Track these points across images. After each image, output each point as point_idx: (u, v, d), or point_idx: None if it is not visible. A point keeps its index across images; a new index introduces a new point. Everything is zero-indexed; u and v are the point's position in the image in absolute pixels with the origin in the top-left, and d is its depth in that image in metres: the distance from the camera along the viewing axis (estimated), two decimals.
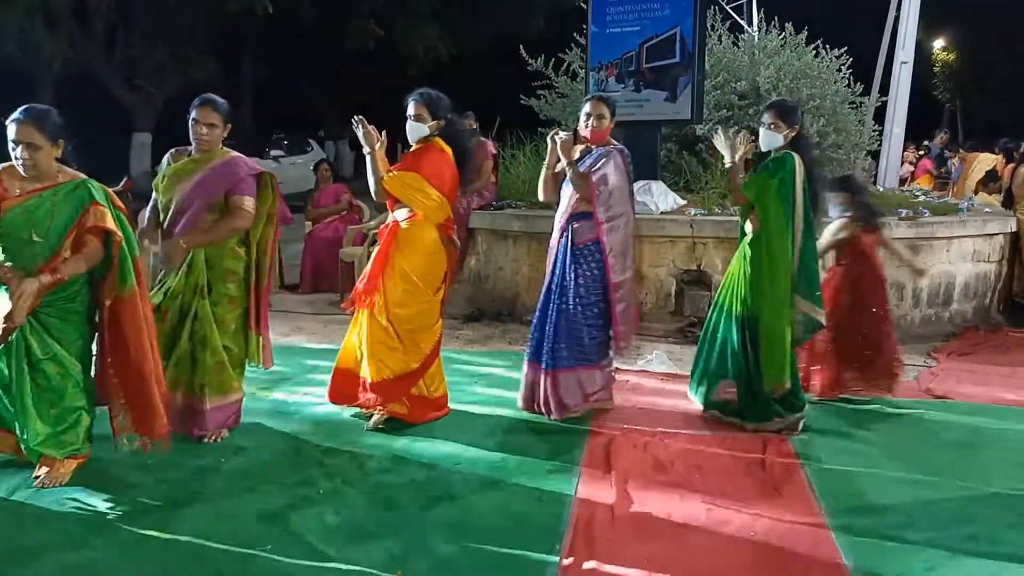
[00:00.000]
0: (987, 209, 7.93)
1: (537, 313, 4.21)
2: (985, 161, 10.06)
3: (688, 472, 3.54)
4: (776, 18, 8.67)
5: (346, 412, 4.16)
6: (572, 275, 4.07)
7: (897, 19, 12.36)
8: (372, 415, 4.02)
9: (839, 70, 8.27)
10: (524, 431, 4.02)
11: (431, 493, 3.28)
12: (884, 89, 12.27)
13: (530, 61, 8.68)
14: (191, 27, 15.54)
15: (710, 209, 6.75)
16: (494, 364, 5.19)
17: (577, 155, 4.06)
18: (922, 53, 20.99)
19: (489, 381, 4.83)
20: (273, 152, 15.69)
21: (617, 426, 4.08)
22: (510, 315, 6.55)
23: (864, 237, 4.60)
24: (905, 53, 12.12)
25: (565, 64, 8.77)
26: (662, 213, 6.49)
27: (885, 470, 3.60)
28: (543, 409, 4.15)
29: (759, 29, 9.15)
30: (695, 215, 6.42)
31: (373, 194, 4.04)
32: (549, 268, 4.23)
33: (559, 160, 4.10)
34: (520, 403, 4.26)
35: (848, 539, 2.94)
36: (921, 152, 13.89)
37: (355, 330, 4.09)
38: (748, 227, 4.09)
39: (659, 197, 6.66)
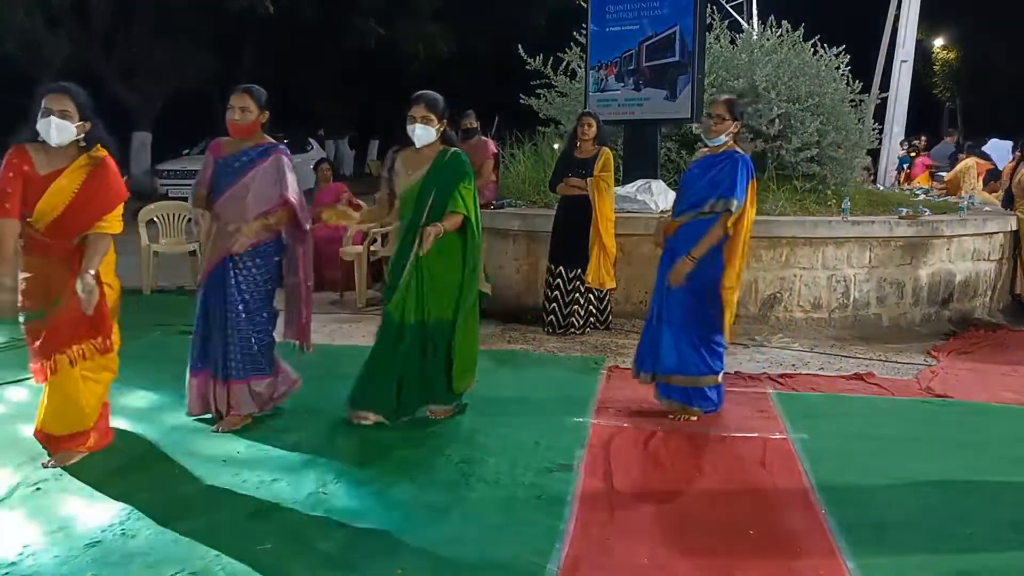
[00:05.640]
0: (987, 208, 7.94)
1: (198, 321, 3.95)
2: (974, 165, 9.98)
3: (688, 472, 3.55)
4: (773, 16, 8.66)
5: (343, 412, 4.13)
6: (235, 282, 3.89)
7: (897, 17, 12.37)
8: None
9: (837, 68, 8.26)
10: (524, 431, 4.02)
11: (431, 492, 3.29)
12: (884, 87, 12.27)
13: (529, 60, 8.68)
14: (192, 26, 15.53)
15: None
16: (493, 364, 5.19)
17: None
18: (922, 51, 21.01)
19: (488, 380, 4.81)
20: None
21: (617, 425, 4.09)
22: (510, 314, 6.55)
23: None
24: (905, 51, 12.13)
25: (565, 63, 8.77)
26: (662, 212, 6.49)
27: (884, 469, 3.60)
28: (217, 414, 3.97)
29: (759, 25, 9.15)
30: None
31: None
32: (203, 273, 3.95)
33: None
34: (189, 411, 4.00)
35: (848, 538, 2.94)
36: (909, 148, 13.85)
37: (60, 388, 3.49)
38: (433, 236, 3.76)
39: (659, 196, 6.67)
